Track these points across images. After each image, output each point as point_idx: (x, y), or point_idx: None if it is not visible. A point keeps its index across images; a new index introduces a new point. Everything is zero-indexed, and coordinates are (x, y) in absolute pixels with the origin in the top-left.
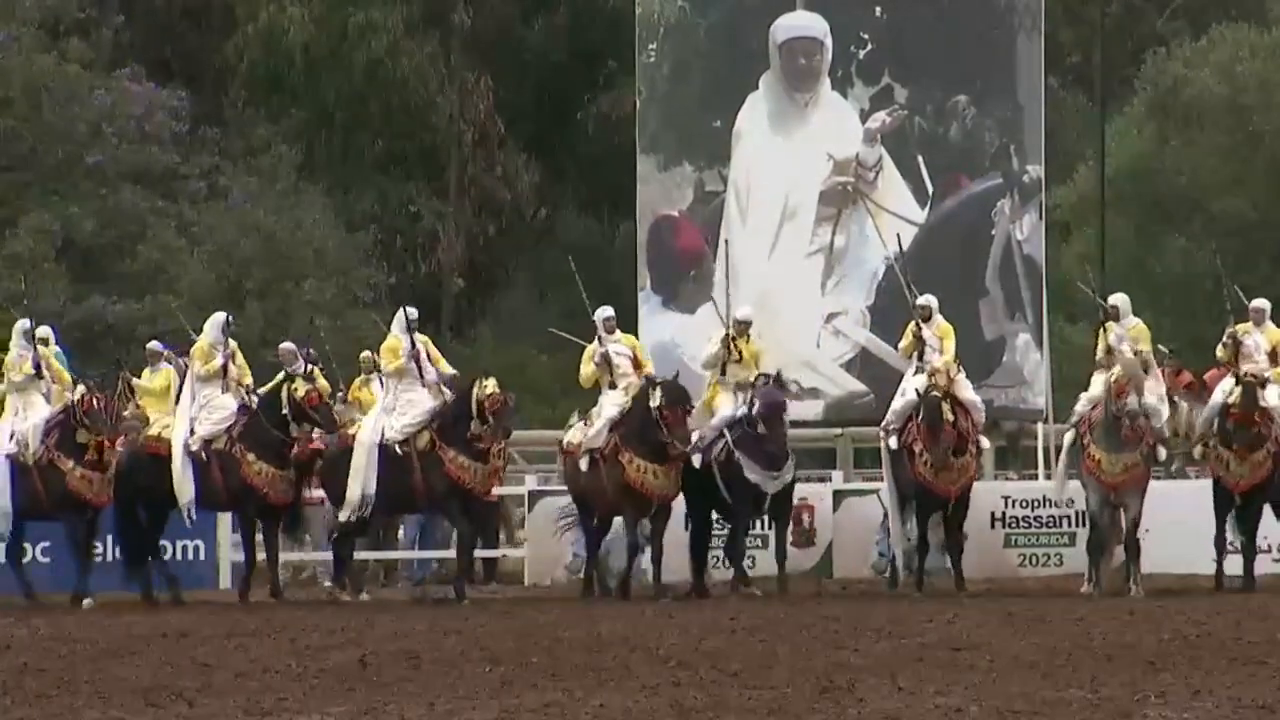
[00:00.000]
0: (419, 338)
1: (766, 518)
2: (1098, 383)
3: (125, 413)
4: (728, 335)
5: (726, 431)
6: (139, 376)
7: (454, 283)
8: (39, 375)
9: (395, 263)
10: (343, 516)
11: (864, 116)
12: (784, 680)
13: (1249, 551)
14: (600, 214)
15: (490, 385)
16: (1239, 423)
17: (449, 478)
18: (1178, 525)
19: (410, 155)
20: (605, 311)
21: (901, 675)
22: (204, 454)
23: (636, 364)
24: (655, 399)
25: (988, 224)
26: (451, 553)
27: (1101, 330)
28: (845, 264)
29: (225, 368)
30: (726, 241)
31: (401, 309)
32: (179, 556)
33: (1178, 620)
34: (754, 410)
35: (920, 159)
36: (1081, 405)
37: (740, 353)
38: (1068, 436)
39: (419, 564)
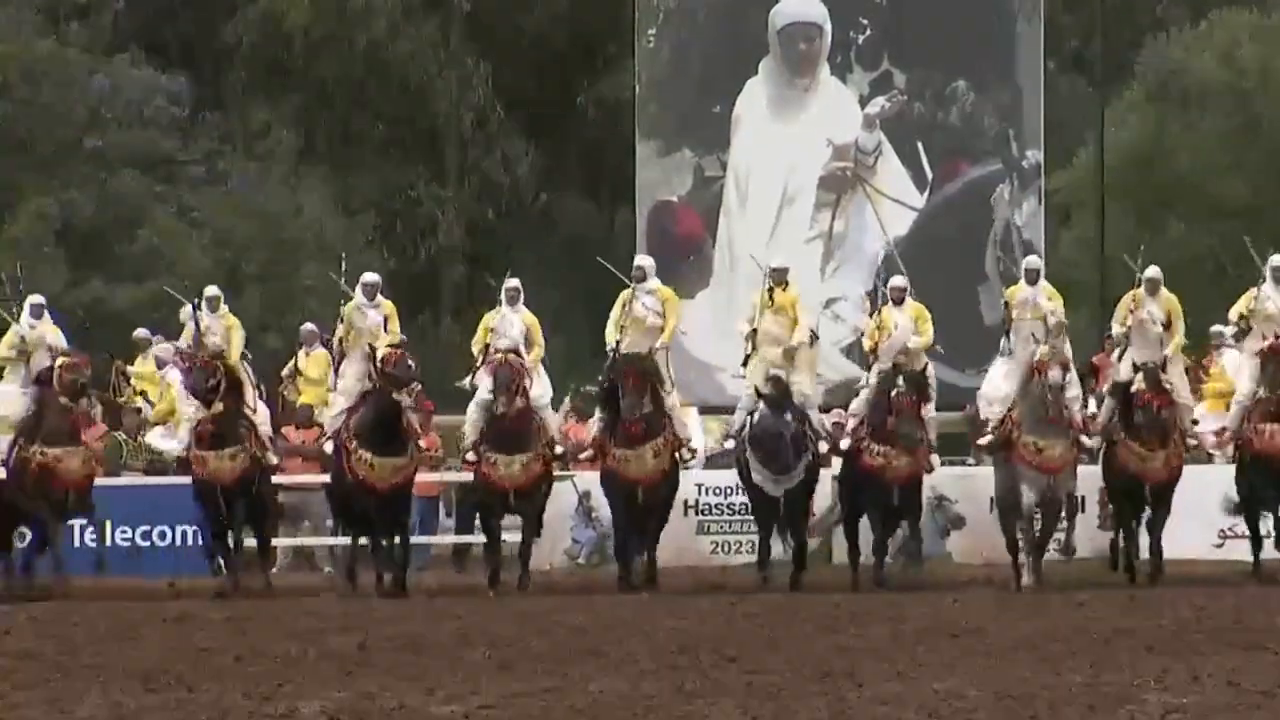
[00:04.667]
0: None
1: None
2: (999, 375)
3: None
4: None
5: (748, 421)
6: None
7: (454, 267)
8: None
9: (394, 247)
10: None
11: (863, 102)
12: (783, 665)
13: (1156, 548)
14: (599, 199)
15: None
16: (1146, 405)
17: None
18: (1174, 512)
19: (409, 140)
20: (639, 260)
21: (901, 660)
22: (332, 444)
23: (663, 317)
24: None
25: (987, 209)
26: (449, 539)
27: (1008, 297)
28: (844, 249)
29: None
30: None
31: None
32: (176, 542)
33: (1177, 605)
34: (753, 435)
35: (920, 144)
36: (993, 408)
37: (774, 299)
38: (984, 440)
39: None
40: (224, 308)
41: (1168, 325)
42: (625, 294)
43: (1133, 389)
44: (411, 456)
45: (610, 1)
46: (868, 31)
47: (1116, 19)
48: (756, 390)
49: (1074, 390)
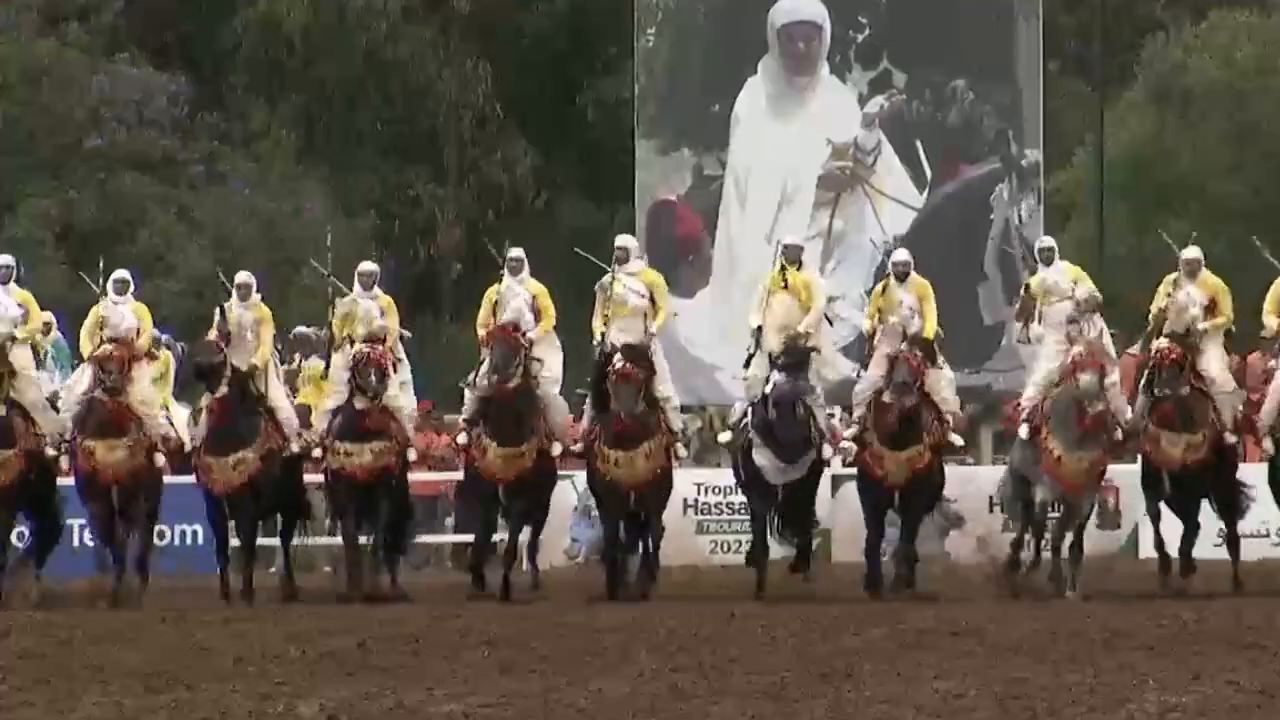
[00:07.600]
0: None
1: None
2: (1042, 358)
3: None
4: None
5: (750, 411)
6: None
7: (453, 268)
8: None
9: (394, 248)
10: None
11: (862, 101)
12: (783, 666)
13: (1188, 541)
14: (599, 199)
15: None
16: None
17: None
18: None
19: (409, 140)
20: (622, 240)
21: (900, 660)
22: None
23: (653, 303)
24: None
25: (986, 209)
26: (445, 538)
27: (1028, 284)
28: (843, 248)
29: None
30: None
31: None
32: (177, 541)
33: (1176, 605)
34: (768, 399)
35: (919, 144)
36: (1032, 390)
37: (786, 280)
38: (1022, 430)
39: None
40: (255, 297)
41: (1211, 309)
42: (604, 279)
43: (1152, 353)
44: (394, 440)
45: (610, 1)
46: (867, 30)
47: (1116, 19)
48: (770, 356)
49: (1112, 391)
